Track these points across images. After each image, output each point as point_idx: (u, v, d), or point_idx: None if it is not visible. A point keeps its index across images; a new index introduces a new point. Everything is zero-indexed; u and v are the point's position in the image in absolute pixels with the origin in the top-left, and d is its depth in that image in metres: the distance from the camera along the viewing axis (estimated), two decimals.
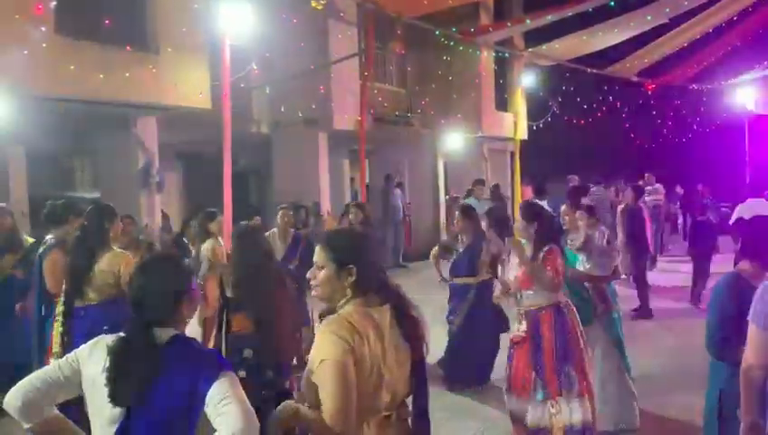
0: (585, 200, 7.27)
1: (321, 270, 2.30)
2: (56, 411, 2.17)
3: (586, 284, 5.13)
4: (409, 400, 2.34)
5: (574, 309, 4.46)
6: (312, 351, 2.18)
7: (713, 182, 15.94)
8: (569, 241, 5.39)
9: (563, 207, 5.69)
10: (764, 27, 15.79)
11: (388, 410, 2.23)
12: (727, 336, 3.07)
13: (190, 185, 14.57)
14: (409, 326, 2.29)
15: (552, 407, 4.19)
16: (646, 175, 14.31)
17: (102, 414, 2.06)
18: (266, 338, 3.84)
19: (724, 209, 13.63)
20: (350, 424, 2.11)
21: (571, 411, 4.17)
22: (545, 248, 4.34)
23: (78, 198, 13.07)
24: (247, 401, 1.99)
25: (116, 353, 2.05)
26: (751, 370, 2.79)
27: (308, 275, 2.35)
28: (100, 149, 10.73)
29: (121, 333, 2.12)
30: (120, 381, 2.01)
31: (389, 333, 2.22)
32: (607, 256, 5.30)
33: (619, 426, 4.89)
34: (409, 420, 2.33)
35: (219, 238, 6.84)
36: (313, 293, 2.35)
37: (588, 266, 5.22)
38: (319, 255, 2.31)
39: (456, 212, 6.62)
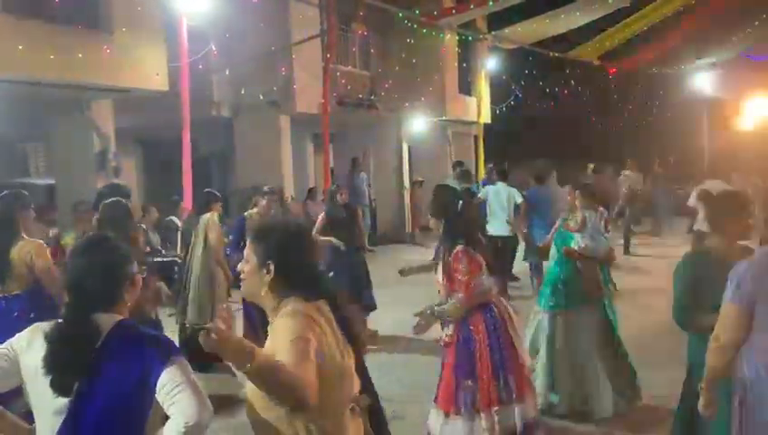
0: None
1: (246, 264, 2.18)
2: None
3: (578, 264, 5.08)
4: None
5: (504, 302, 4.19)
6: (271, 341, 2.06)
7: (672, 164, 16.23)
8: (567, 221, 5.38)
9: (568, 187, 5.70)
10: (723, 12, 16.03)
11: (351, 403, 2.16)
12: (687, 307, 3.19)
13: (149, 170, 14.26)
14: (345, 325, 2.18)
15: (485, 421, 3.92)
16: (628, 161, 14.44)
17: (46, 405, 1.96)
18: None
19: (680, 191, 13.98)
20: (312, 399, 1.93)
21: (509, 418, 3.95)
22: (454, 250, 3.97)
23: (32, 184, 12.70)
24: (200, 388, 1.91)
25: (54, 341, 1.94)
26: (725, 349, 2.78)
27: (238, 267, 2.23)
28: (53, 133, 10.40)
29: (59, 320, 2.01)
30: (60, 369, 1.91)
31: (335, 331, 2.13)
32: (601, 238, 5.28)
33: (614, 412, 4.85)
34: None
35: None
36: (242, 288, 2.24)
37: (582, 247, 5.15)
38: (248, 247, 2.19)
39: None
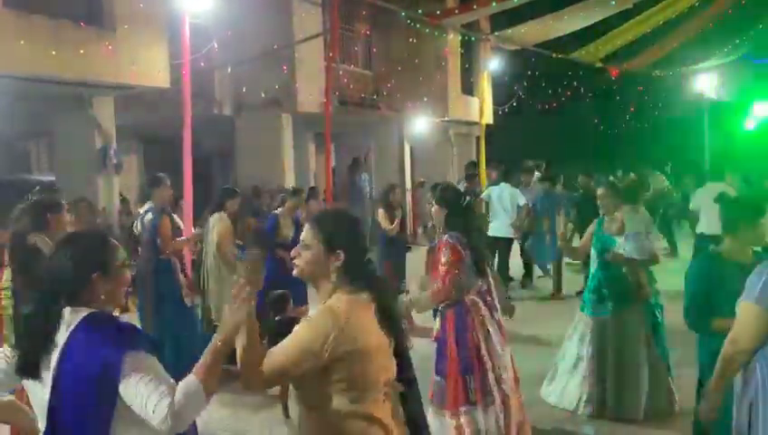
0: None
1: (307, 249, 2.26)
2: (9, 397, 2.21)
3: (624, 269, 4.99)
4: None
5: (482, 307, 4.05)
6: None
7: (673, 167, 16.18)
8: (606, 224, 5.21)
9: (600, 190, 5.38)
10: (725, 15, 15.99)
11: (386, 389, 2.26)
12: (700, 308, 3.23)
13: (150, 167, 14.23)
14: (389, 323, 2.26)
15: (450, 419, 3.92)
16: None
17: (36, 398, 2.07)
18: None
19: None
20: (272, 382, 2.21)
21: (479, 422, 3.92)
22: (443, 239, 4.04)
23: (34, 181, 12.68)
24: (161, 381, 1.97)
25: (21, 326, 2.13)
26: (743, 352, 2.73)
27: (292, 252, 2.31)
28: (55, 130, 10.39)
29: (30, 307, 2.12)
30: (25, 352, 2.03)
31: (378, 322, 2.23)
32: (645, 240, 5.17)
33: (648, 415, 4.84)
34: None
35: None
36: (295, 271, 2.30)
37: (626, 250, 5.04)
38: (307, 233, 2.27)
39: None
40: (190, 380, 1.99)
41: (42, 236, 4.16)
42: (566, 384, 5.16)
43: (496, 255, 9.05)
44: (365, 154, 16.56)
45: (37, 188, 6.43)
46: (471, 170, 12.39)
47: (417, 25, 14.44)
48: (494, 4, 14.87)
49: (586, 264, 6.52)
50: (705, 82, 19.34)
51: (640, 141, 22.61)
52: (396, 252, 8.12)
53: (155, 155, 14.32)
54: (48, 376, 2.01)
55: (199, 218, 7.62)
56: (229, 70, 11.95)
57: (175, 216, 6.66)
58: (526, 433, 4.15)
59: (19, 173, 12.81)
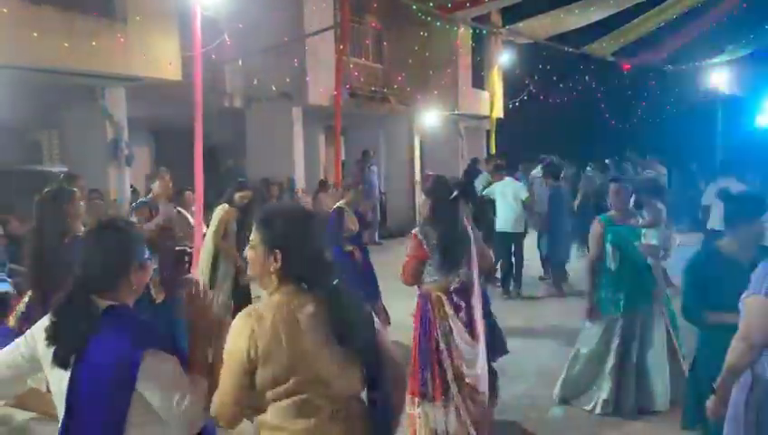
0: None
1: (251, 250, 2.14)
2: (31, 385, 2.24)
3: (649, 260, 4.92)
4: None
5: (446, 304, 4.05)
6: None
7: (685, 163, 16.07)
8: (619, 217, 5.09)
9: (614, 187, 5.21)
10: (738, 9, 15.85)
11: (334, 406, 2.05)
12: (696, 302, 3.30)
13: (161, 159, 14.29)
14: (339, 325, 2.03)
15: (410, 404, 3.97)
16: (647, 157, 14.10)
17: (56, 387, 2.07)
18: None
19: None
20: (225, 412, 2.03)
21: (434, 419, 3.94)
22: (413, 231, 4.23)
23: (46, 172, 12.76)
24: (179, 381, 2.01)
25: (56, 317, 2.06)
26: (753, 348, 2.68)
27: (244, 253, 2.30)
28: (67, 121, 10.42)
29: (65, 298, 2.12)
30: (59, 342, 2.03)
31: (316, 328, 2.03)
32: (667, 231, 5.20)
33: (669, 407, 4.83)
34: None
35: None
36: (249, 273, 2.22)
37: (653, 242, 4.97)
38: (254, 233, 2.15)
39: None
40: (199, 381, 2.05)
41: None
42: (583, 382, 5.10)
43: (512, 249, 9.06)
44: (374, 147, 16.54)
45: (61, 175, 6.47)
46: (494, 162, 12.23)
47: (429, 19, 14.40)
48: None
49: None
50: (718, 76, 19.18)
51: (652, 136, 22.44)
52: None
53: (166, 147, 14.37)
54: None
55: (209, 210, 7.63)
56: (240, 62, 11.96)
57: (181, 209, 6.69)
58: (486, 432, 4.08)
59: (31, 164, 12.89)
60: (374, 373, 2.11)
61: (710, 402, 2.84)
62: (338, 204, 6.87)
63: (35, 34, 7.41)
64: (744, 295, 2.73)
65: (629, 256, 4.89)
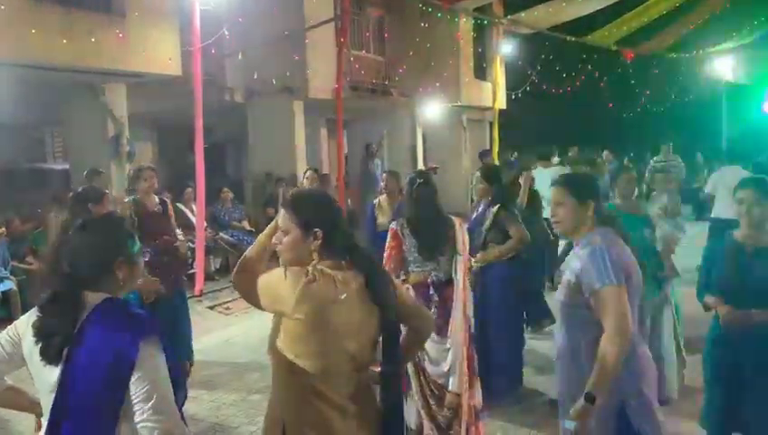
0: None
1: (285, 235, 2.23)
2: (8, 383, 2.18)
3: (659, 247, 4.90)
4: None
5: (415, 294, 4.02)
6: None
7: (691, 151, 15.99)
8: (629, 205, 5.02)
9: (626, 176, 5.17)
10: None
11: (354, 371, 2.18)
12: (705, 284, 3.48)
13: (163, 155, 14.29)
14: (379, 294, 2.20)
15: None
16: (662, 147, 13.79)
17: (43, 385, 2.04)
18: None
19: None
20: (250, 293, 2.28)
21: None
22: (391, 226, 4.28)
23: (48, 169, 12.77)
24: (162, 390, 1.97)
25: (42, 311, 2.03)
26: (628, 338, 2.55)
27: (273, 240, 2.30)
28: (68, 118, 10.43)
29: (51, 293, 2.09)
30: (47, 338, 2.00)
31: (354, 298, 2.16)
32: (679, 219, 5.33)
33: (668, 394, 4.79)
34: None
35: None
36: (280, 259, 2.27)
37: (667, 229, 5.03)
38: (283, 219, 2.25)
39: None
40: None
41: None
42: None
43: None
44: (378, 140, 16.49)
45: (86, 173, 6.52)
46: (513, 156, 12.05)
47: (430, 10, 14.32)
48: None
49: None
50: (723, 64, 19.02)
51: (656, 125, 22.33)
52: None
53: (168, 142, 14.35)
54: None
55: (210, 205, 7.62)
56: (240, 56, 11.92)
57: (179, 204, 6.67)
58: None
59: (34, 162, 12.90)
60: (386, 345, 2.25)
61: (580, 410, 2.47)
62: (376, 199, 7.05)
63: (34, 31, 7.40)
64: (595, 288, 2.56)
65: (637, 244, 4.84)
